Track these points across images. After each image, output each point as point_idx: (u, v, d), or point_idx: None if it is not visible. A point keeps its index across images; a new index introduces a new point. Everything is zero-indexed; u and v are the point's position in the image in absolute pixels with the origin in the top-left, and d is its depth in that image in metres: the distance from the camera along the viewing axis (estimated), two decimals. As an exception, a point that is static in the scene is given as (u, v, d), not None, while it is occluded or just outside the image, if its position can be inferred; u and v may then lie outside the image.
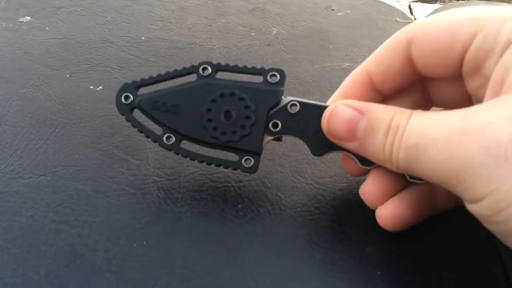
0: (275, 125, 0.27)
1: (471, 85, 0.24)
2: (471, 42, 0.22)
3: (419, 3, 0.53)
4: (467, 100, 0.25)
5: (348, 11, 0.50)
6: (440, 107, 0.28)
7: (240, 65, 0.28)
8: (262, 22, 0.48)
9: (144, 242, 0.26)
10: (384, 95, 0.27)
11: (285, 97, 0.28)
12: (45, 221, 0.27)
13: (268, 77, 0.28)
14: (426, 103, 0.28)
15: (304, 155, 0.32)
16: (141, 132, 0.29)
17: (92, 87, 0.38)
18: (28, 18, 0.47)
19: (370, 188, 0.27)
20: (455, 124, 0.20)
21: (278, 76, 0.28)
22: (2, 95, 0.37)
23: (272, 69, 0.28)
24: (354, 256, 0.26)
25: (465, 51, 0.23)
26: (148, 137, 0.29)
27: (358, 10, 0.50)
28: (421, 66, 0.25)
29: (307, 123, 0.27)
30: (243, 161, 0.28)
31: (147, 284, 0.24)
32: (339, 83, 0.39)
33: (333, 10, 0.50)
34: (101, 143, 0.32)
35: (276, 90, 0.27)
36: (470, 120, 0.20)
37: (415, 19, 0.50)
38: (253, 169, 0.28)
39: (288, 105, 0.27)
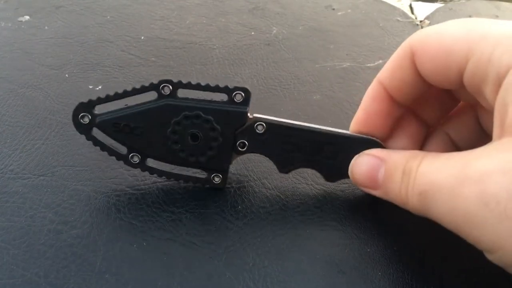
0: (243, 145, 0.28)
1: (483, 103, 0.23)
2: (465, 66, 0.22)
3: (420, 2, 0.53)
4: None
5: (349, 10, 0.50)
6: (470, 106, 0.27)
7: (203, 83, 0.27)
8: (262, 22, 0.48)
9: (144, 243, 0.26)
10: (405, 105, 0.27)
11: (251, 114, 0.27)
12: (44, 222, 0.27)
13: (233, 96, 0.27)
14: (454, 100, 0.27)
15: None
16: (103, 150, 0.28)
17: (91, 87, 0.38)
18: (27, 17, 0.47)
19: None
20: (458, 172, 0.20)
21: (243, 95, 0.27)
22: (1, 95, 0.37)
23: (236, 88, 0.26)
24: (355, 257, 0.26)
25: (461, 74, 0.22)
26: (112, 155, 0.28)
27: (359, 10, 0.50)
28: (428, 80, 0.24)
29: (274, 142, 0.28)
30: (211, 177, 0.29)
31: (147, 285, 0.24)
32: (340, 83, 0.39)
33: (334, 9, 0.50)
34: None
35: (241, 111, 0.27)
36: (470, 169, 0.20)
37: (416, 18, 0.49)
38: (222, 185, 0.29)
39: (255, 125, 0.27)
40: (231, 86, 0.27)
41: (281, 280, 0.25)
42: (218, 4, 0.50)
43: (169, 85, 0.26)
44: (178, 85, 0.27)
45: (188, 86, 0.27)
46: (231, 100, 0.27)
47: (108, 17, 0.47)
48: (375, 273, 0.25)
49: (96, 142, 0.28)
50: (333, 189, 0.30)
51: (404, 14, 0.50)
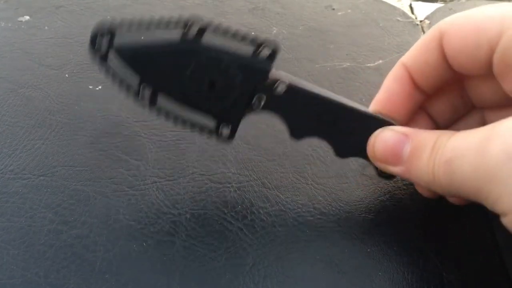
0: (259, 102, 0.26)
1: (507, 86, 0.23)
2: (498, 42, 0.22)
3: (420, 2, 0.53)
4: (507, 101, 0.24)
5: (349, 11, 0.50)
6: (480, 108, 0.27)
7: (232, 29, 0.25)
8: (262, 22, 0.47)
9: (144, 243, 0.26)
10: (425, 92, 0.27)
11: (275, 71, 0.26)
12: (44, 222, 0.27)
13: (260, 49, 0.25)
14: (465, 104, 0.27)
15: (304, 156, 0.32)
16: (114, 81, 0.27)
17: (91, 87, 0.38)
18: (27, 17, 0.47)
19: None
20: (485, 132, 0.20)
21: (270, 51, 0.25)
22: (1, 95, 0.37)
23: (265, 41, 0.25)
24: (355, 257, 0.26)
25: (492, 51, 0.22)
26: (122, 88, 0.27)
27: (359, 9, 0.50)
28: (453, 63, 0.24)
29: (292, 105, 0.26)
30: (220, 129, 0.27)
31: (146, 284, 0.24)
32: (340, 83, 0.39)
33: (334, 9, 0.50)
34: (101, 143, 0.32)
35: (265, 65, 0.25)
36: (498, 127, 0.20)
37: (416, 18, 0.49)
38: (229, 139, 0.27)
39: (276, 84, 0.26)
40: (260, 38, 0.25)
41: (281, 281, 0.25)
42: (218, 4, 0.50)
43: (196, 25, 0.25)
44: (206, 26, 0.25)
45: (217, 29, 0.25)
46: (257, 54, 0.25)
47: (108, 17, 0.47)
48: (375, 273, 0.25)
49: (109, 71, 0.26)
50: (333, 189, 0.30)
51: (404, 14, 0.50)
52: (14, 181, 0.29)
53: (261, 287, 0.24)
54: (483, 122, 0.27)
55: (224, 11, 0.49)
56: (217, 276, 0.25)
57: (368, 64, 0.42)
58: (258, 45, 0.25)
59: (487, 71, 0.23)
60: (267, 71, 0.26)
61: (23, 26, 0.46)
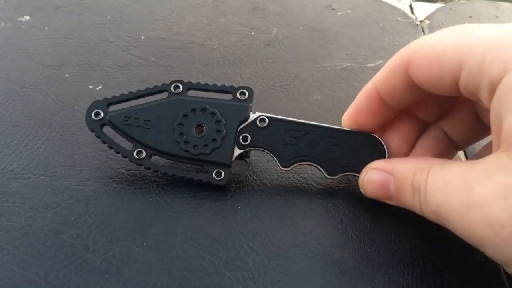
0: (245, 139, 0.29)
1: (484, 106, 0.23)
2: (460, 74, 0.22)
3: (420, 2, 0.53)
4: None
5: (349, 11, 0.50)
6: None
7: (211, 83, 0.30)
8: (262, 22, 0.47)
9: (144, 243, 0.26)
10: (396, 109, 0.27)
11: (254, 113, 0.29)
12: (44, 222, 0.27)
13: (238, 94, 0.29)
14: (452, 100, 0.28)
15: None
16: (111, 148, 0.29)
17: (91, 86, 0.38)
18: (27, 17, 0.47)
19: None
20: (464, 197, 0.21)
21: (247, 94, 0.29)
22: (1, 95, 0.37)
23: (241, 87, 0.29)
24: (355, 257, 0.26)
25: (456, 82, 0.23)
26: (118, 152, 0.29)
27: (359, 10, 0.50)
28: (423, 87, 0.25)
29: (275, 137, 0.29)
30: (213, 174, 0.29)
31: (146, 285, 0.24)
32: (340, 83, 0.39)
33: (334, 9, 0.50)
34: (101, 143, 0.32)
35: (245, 105, 0.29)
36: (474, 194, 0.20)
37: (416, 18, 0.49)
38: (224, 181, 0.29)
39: (257, 120, 0.29)
40: (236, 86, 0.29)
41: (281, 280, 0.25)
42: (218, 4, 0.50)
43: (179, 85, 0.29)
44: (188, 85, 0.30)
45: (197, 85, 0.30)
46: (235, 98, 0.29)
47: (108, 17, 0.47)
48: (375, 273, 0.25)
49: (104, 139, 0.29)
50: (333, 188, 0.30)
51: (404, 14, 0.50)
52: (14, 181, 0.30)
53: (261, 286, 0.24)
54: (476, 114, 0.28)
55: (224, 11, 0.49)
56: (217, 276, 0.25)
57: (368, 64, 0.42)
58: (235, 90, 0.29)
59: (458, 92, 0.24)
60: (247, 109, 0.29)
61: (23, 26, 0.46)
